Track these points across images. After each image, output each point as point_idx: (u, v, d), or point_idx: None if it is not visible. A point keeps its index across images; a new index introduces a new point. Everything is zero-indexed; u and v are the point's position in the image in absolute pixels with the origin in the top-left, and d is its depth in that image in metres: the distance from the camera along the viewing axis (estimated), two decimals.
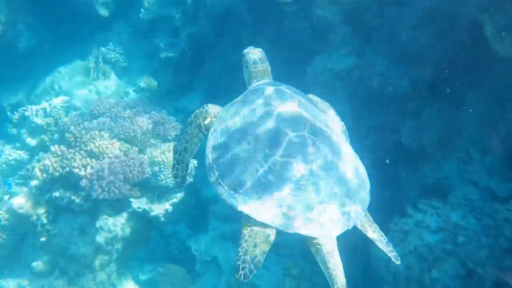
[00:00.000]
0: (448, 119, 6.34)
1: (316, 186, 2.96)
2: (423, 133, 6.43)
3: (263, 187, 2.92)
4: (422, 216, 5.82)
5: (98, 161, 5.24)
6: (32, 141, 7.29)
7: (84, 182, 4.99)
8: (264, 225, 2.89)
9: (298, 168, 2.98)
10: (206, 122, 3.70)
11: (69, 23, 9.58)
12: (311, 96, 4.12)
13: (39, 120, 7.40)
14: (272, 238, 2.90)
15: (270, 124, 3.19)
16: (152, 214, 6.10)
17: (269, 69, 4.05)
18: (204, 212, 7.43)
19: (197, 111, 3.88)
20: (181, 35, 9.50)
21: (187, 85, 9.72)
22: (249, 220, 2.93)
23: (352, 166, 3.29)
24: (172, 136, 6.83)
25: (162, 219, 6.25)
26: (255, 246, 2.83)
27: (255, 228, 2.91)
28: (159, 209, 6.10)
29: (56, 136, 7.05)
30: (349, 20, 6.79)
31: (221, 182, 3.06)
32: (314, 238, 2.90)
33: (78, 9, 9.28)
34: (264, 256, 2.80)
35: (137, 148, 6.34)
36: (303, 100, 3.48)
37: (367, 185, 3.34)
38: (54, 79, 8.71)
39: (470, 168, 6.14)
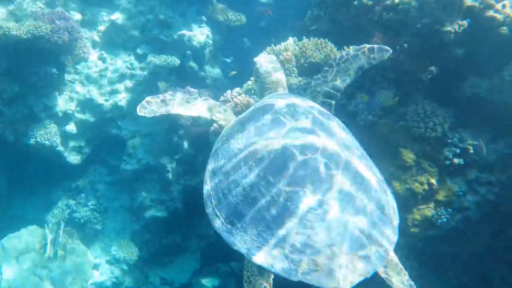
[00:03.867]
0: None
1: (327, 222, 2.47)
2: None
3: (264, 222, 2.51)
4: None
5: None
6: None
7: None
8: (260, 271, 2.59)
9: (306, 200, 2.53)
10: (219, 116, 3.38)
11: (32, 168, 7.50)
12: None
13: None
14: None
15: (275, 145, 2.76)
16: None
17: (284, 78, 3.57)
18: None
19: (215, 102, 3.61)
20: (174, 189, 7.40)
21: (178, 247, 7.63)
22: (248, 263, 2.64)
23: (375, 195, 2.72)
24: None
25: None
26: None
27: (252, 279, 2.62)
28: None
29: None
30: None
31: (218, 213, 2.69)
32: None
33: (41, 154, 7.15)
34: None
35: None
36: (318, 116, 2.99)
37: (395, 219, 2.76)
38: None
39: None
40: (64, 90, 7.18)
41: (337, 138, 2.87)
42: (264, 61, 3.56)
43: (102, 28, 7.52)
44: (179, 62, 7.15)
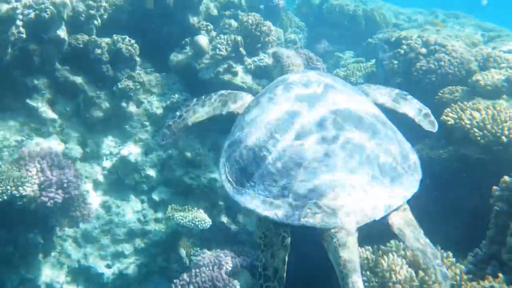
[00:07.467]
0: None
1: (332, 168, 2.49)
2: None
3: (270, 176, 2.56)
4: None
5: None
6: None
7: None
8: (275, 224, 2.51)
9: (311, 150, 2.58)
10: (234, 106, 3.37)
11: None
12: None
13: None
14: (288, 240, 2.47)
15: (284, 107, 2.87)
16: None
17: (302, 64, 3.80)
18: None
19: (232, 91, 3.56)
20: None
21: None
22: (260, 221, 2.63)
23: (391, 148, 2.71)
24: None
25: None
26: (272, 256, 2.47)
27: (267, 233, 2.55)
28: None
29: None
30: None
31: (230, 179, 2.75)
32: (327, 230, 2.38)
33: None
34: (285, 267, 2.41)
35: None
36: (332, 82, 3.07)
37: (417, 173, 2.71)
38: None
39: None
40: (51, 252, 5.27)
41: (350, 98, 2.88)
42: (284, 49, 3.84)
43: (108, 164, 5.72)
44: (210, 223, 5.31)
